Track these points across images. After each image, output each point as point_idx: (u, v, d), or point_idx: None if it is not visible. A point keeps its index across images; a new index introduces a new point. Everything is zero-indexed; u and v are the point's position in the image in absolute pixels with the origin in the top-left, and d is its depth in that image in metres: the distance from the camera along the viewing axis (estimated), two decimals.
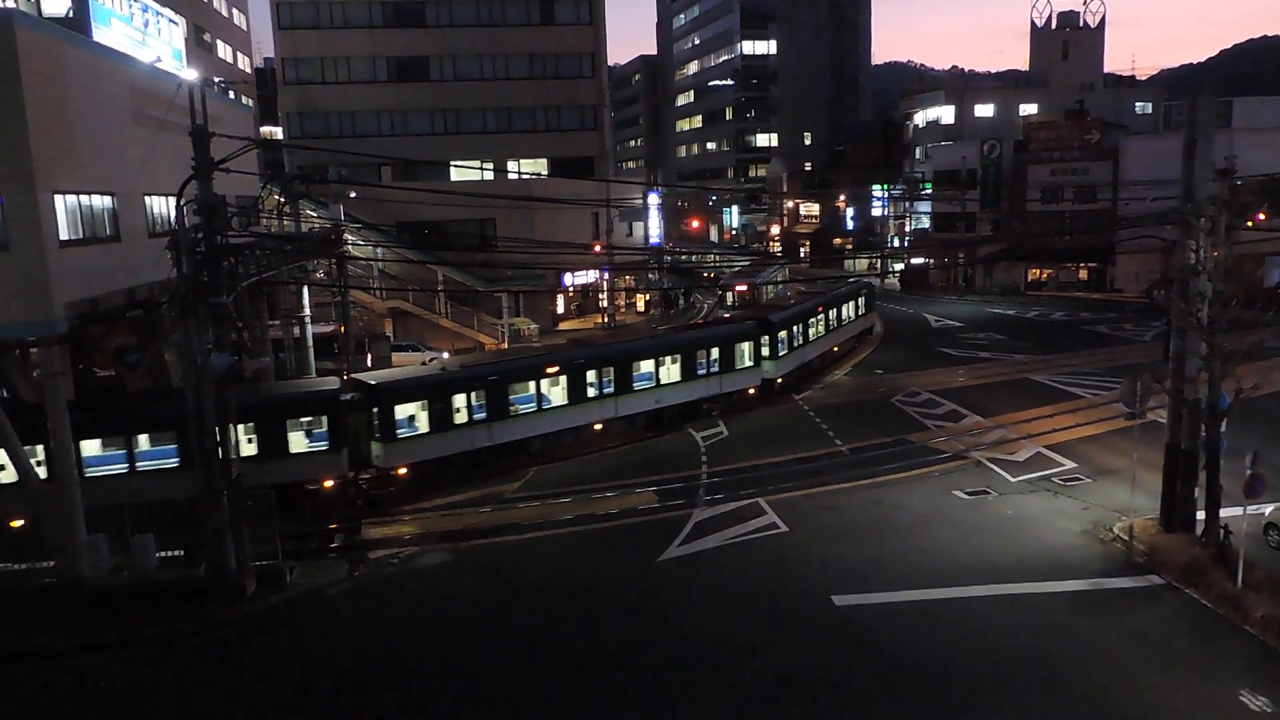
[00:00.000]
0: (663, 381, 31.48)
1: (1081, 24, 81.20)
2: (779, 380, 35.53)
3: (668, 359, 31.77)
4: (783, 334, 35.35)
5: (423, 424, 25.91)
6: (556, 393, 29.05)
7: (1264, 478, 17.62)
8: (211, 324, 18.88)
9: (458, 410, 26.45)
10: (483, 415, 26.98)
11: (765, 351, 34.61)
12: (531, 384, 28.34)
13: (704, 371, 32.57)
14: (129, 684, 16.40)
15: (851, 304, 44.75)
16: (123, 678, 16.62)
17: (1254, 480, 17.43)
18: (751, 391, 34.37)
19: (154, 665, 17.04)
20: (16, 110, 17.61)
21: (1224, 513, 19.19)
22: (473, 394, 26.83)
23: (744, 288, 65.93)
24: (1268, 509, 20.15)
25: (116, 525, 19.95)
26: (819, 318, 39.69)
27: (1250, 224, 21.42)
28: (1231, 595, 17.06)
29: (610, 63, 79.05)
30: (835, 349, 42.32)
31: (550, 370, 28.75)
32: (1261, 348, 19.65)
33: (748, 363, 33.96)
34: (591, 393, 29.53)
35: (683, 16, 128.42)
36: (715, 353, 32.91)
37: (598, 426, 30.04)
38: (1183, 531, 19.89)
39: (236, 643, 17.88)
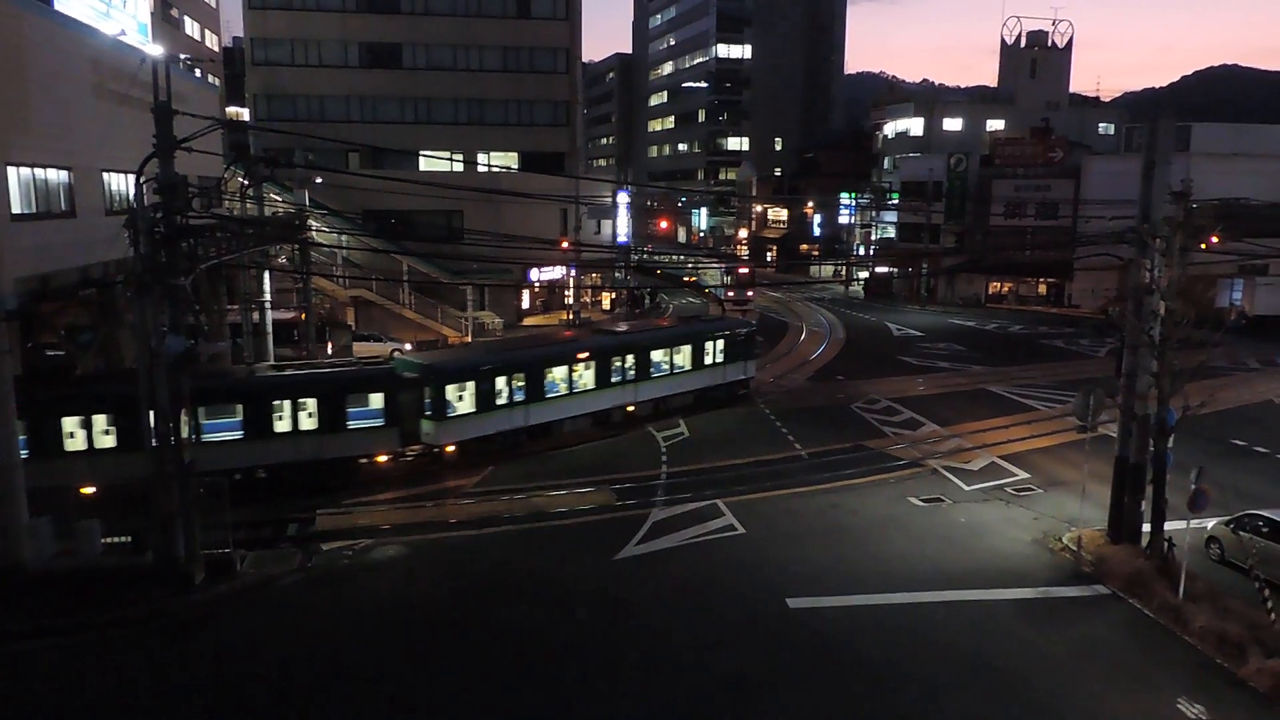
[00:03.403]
0: (229, 436, 23.96)
1: (1050, 44, 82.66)
2: (447, 449, 26.95)
3: (229, 407, 24.09)
4: (466, 386, 26.83)
5: None
6: None
7: (1206, 493, 18.04)
8: (168, 306, 18.51)
9: None
10: None
11: (429, 408, 26.27)
12: None
13: (288, 428, 24.53)
14: (68, 671, 16.05)
15: (682, 351, 33.27)
16: (62, 665, 16.25)
17: (1197, 495, 17.85)
18: (381, 459, 26.09)
19: (95, 652, 16.70)
20: None
21: (1168, 526, 19.63)
22: None
23: (745, 270, 67.99)
24: (1209, 523, 20.69)
25: (62, 509, 19.51)
26: (567, 369, 29.58)
27: (1204, 246, 21.94)
28: (1173, 606, 17.45)
29: (585, 59, 79.17)
30: (631, 409, 31.73)
31: None
32: (1209, 367, 20.13)
33: (372, 421, 25.42)
34: (75, 445, 22.33)
35: (659, 17, 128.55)
36: (311, 405, 24.58)
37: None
38: (1129, 543, 20.31)
39: (182, 632, 17.57)
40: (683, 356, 33.46)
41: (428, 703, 14.97)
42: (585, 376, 30.24)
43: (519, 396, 28.15)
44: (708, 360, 34.13)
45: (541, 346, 30.54)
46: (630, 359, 31.51)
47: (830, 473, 26.87)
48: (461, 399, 26.82)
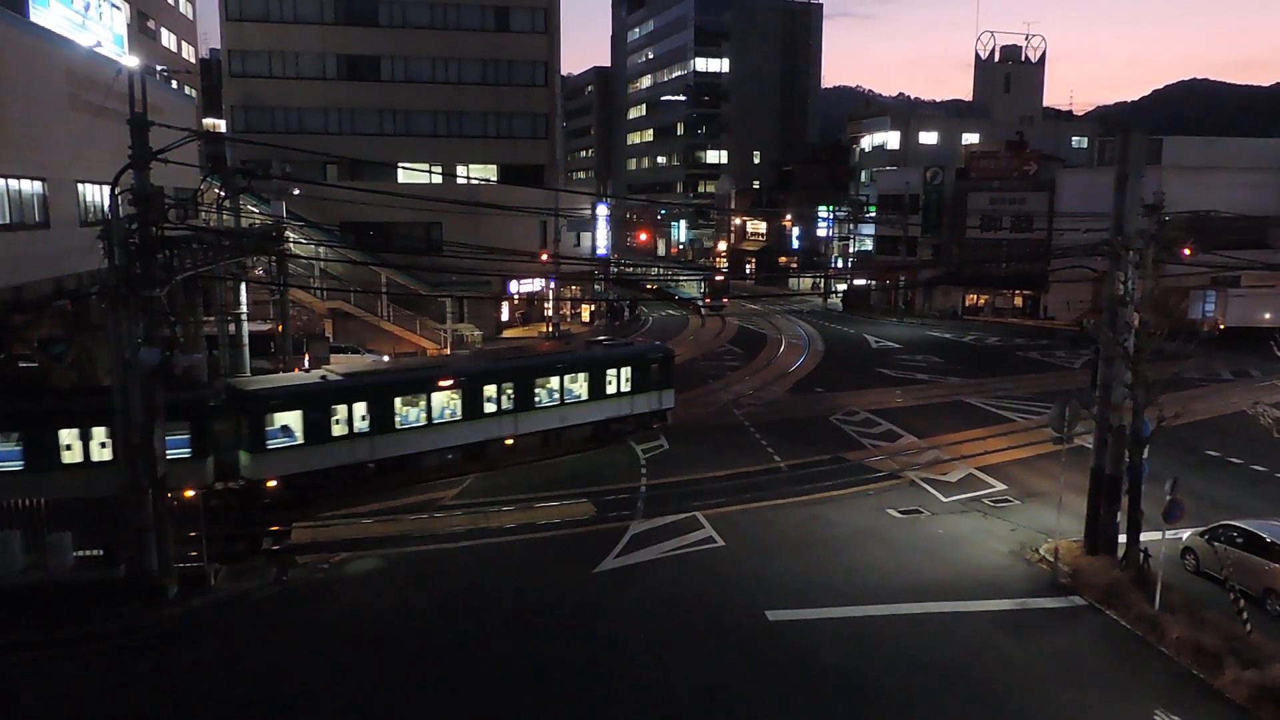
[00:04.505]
0: (8, 466, 21.50)
1: (1023, 58, 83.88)
2: (270, 483, 24.14)
3: (7, 435, 21.63)
4: (290, 415, 24.40)
5: None
6: None
7: (1181, 503, 18.21)
8: (143, 318, 18.34)
9: None
10: None
11: (246, 439, 23.77)
12: None
13: (79, 459, 22.00)
14: (39, 686, 15.78)
15: (576, 379, 30.28)
16: (33, 680, 15.98)
17: (1172, 506, 18.01)
18: (188, 494, 21.62)
19: (67, 667, 16.42)
20: None
21: (1144, 537, 19.78)
22: None
23: (720, 278, 69.78)
24: (1185, 534, 20.84)
25: (32, 522, 19.22)
26: (424, 397, 26.83)
27: (1184, 255, 22.24)
28: (1149, 617, 17.57)
29: (564, 72, 79.45)
30: (509, 442, 28.82)
31: None
32: (1183, 378, 20.34)
33: (177, 452, 22.01)
34: None
35: (638, 31, 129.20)
36: (101, 434, 21.94)
37: None
38: (1105, 554, 20.45)
39: (155, 646, 17.31)
40: (577, 385, 30.40)
41: (403, 718, 14.81)
42: (449, 406, 27.43)
43: (362, 427, 25.45)
44: (610, 389, 31.03)
45: (396, 372, 27.90)
46: (509, 387, 28.60)
47: (809, 485, 26.92)
48: (286, 429, 24.31)
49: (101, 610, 18.11)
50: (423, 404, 26.85)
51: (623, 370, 31.38)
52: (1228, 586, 17.87)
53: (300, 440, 24.45)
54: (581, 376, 30.47)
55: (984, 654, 16.85)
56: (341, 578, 20.45)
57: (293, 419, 24.39)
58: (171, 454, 21.63)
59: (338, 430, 25.11)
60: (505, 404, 28.57)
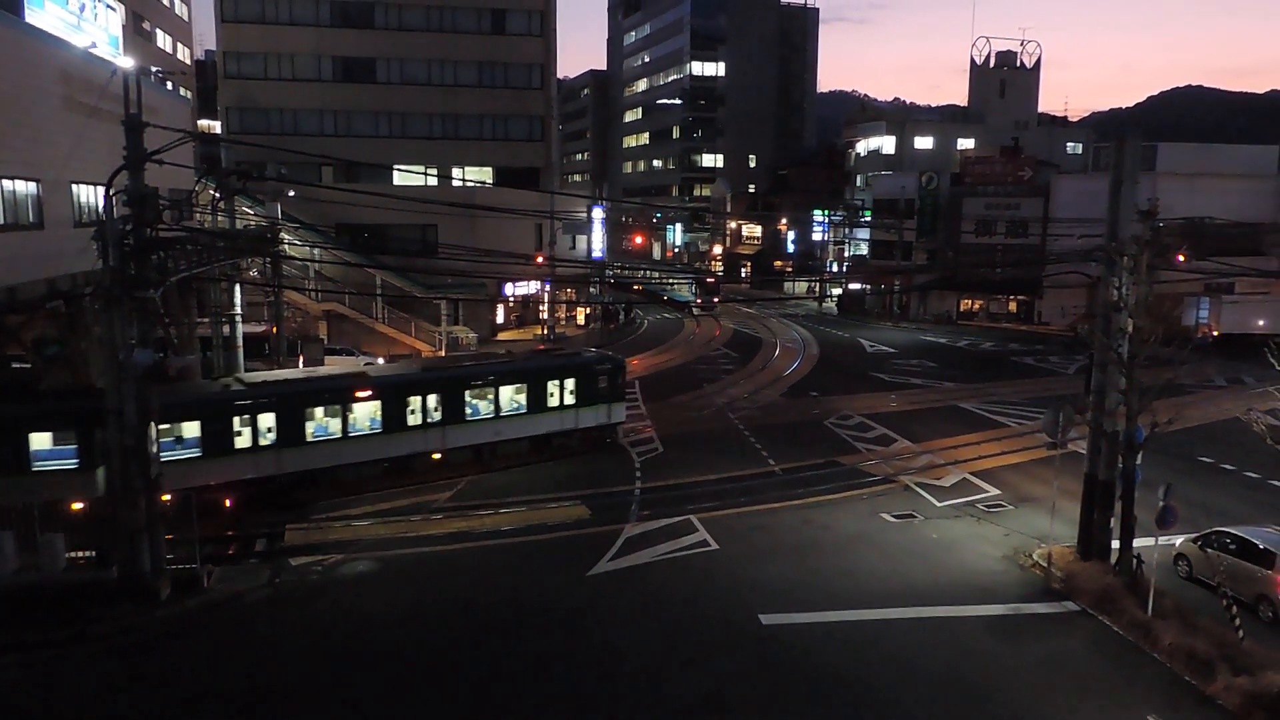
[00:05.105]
0: None
1: (1018, 64, 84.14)
2: (163, 497, 20.60)
3: None
4: (184, 426, 23.17)
5: None
6: None
7: (1175, 510, 18.24)
8: (137, 319, 18.29)
9: None
10: None
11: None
12: None
13: None
14: (30, 687, 15.73)
15: (514, 391, 28.64)
16: (24, 680, 15.94)
17: (1165, 512, 18.04)
18: (77, 506, 21.04)
19: (60, 669, 16.36)
20: None
21: (1137, 542, 19.82)
22: None
23: (712, 280, 70.36)
24: (1178, 540, 20.89)
25: (24, 523, 19.15)
26: (338, 407, 25.48)
27: (1178, 262, 22.34)
28: (1142, 623, 17.60)
29: (560, 75, 79.72)
30: (437, 456, 27.45)
31: None
32: (1176, 384, 20.39)
33: (63, 463, 21.39)
34: None
35: (634, 34, 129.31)
36: None
37: None
38: (1098, 560, 20.49)
39: (147, 647, 17.25)
40: (515, 397, 28.76)
41: None
42: (368, 417, 26.07)
43: (268, 439, 24.19)
44: (551, 402, 29.30)
45: (308, 381, 26.12)
46: (434, 398, 27.03)
47: (803, 489, 26.93)
48: (181, 440, 23.04)
49: (94, 612, 18.04)
50: (337, 415, 25.52)
51: (566, 381, 29.59)
52: (1220, 593, 17.93)
53: (198, 452, 23.24)
54: (519, 387, 28.84)
55: (976, 659, 16.87)
56: (334, 580, 20.40)
57: (188, 430, 23.16)
58: (58, 465, 21.18)
59: (240, 442, 23.87)
60: (431, 416, 27.06)
